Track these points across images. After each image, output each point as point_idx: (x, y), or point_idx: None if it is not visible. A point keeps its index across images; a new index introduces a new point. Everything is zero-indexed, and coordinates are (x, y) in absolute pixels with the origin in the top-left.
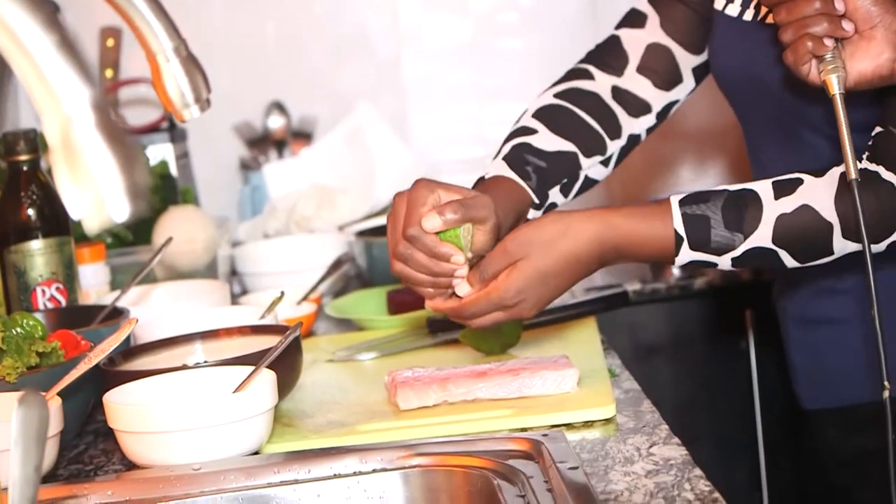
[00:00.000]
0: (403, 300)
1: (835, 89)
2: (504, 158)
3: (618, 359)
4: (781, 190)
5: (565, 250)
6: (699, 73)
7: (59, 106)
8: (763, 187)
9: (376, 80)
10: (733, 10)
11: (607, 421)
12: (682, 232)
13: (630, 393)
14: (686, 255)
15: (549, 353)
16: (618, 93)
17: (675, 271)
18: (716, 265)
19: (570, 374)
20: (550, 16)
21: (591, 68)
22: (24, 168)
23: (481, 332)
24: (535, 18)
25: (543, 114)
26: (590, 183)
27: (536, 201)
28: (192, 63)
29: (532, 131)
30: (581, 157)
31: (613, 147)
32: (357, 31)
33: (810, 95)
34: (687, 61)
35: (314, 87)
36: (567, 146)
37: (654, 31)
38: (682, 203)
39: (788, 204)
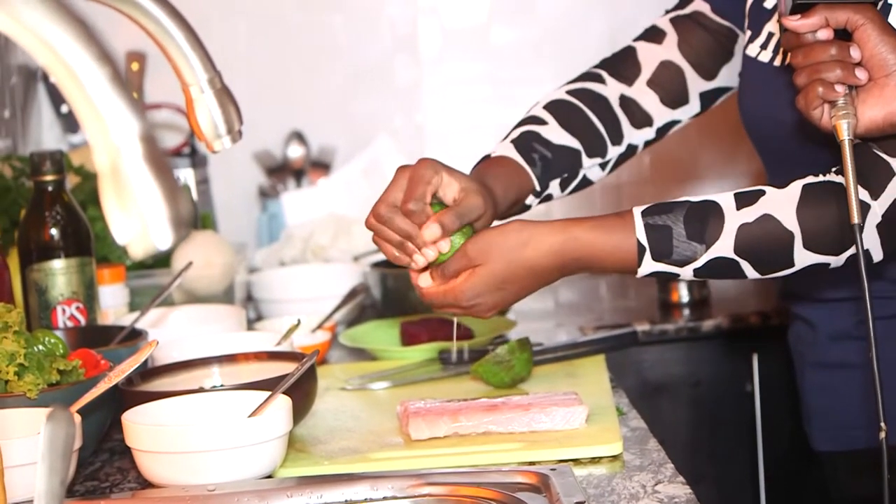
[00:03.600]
0: (417, 332)
1: (844, 135)
2: (512, 141)
3: (625, 397)
4: (743, 200)
5: (525, 259)
6: (706, 98)
7: (108, 136)
8: (725, 198)
9: (396, 112)
10: (765, 56)
11: (614, 458)
12: (644, 242)
13: (637, 431)
14: (648, 265)
15: (559, 390)
16: (625, 101)
17: (685, 312)
18: (678, 276)
19: (579, 411)
20: (569, 53)
21: (604, 74)
22: (50, 188)
23: (492, 367)
24: (555, 55)
25: (554, 107)
26: (586, 183)
27: (538, 188)
28: (225, 95)
29: (542, 122)
30: (584, 155)
31: (613, 153)
32: (378, 64)
33: (834, 141)
34: (696, 85)
35: (334, 117)
36: (573, 142)
37: (669, 50)
38: (644, 214)
39: (750, 214)
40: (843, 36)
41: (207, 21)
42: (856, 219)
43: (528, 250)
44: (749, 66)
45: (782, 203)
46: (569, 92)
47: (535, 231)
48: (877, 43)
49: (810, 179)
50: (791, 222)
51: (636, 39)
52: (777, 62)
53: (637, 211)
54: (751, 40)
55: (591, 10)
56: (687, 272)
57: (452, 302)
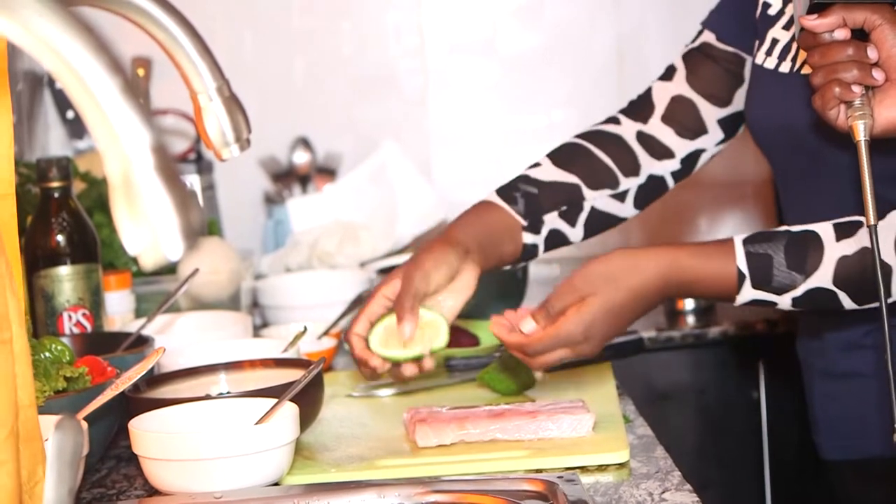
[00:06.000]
0: None
1: (860, 136)
2: (499, 187)
3: (632, 404)
4: (842, 232)
5: (633, 285)
6: (727, 123)
7: (119, 147)
8: (824, 229)
9: (402, 119)
10: (770, 63)
11: (621, 465)
12: (744, 270)
13: (644, 438)
14: (748, 293)
15: (565, 397)
16: (642, 137)
17: (691, 319)
18: (776, 305)
19: (586, 419)
20: (576, 61)
21: (621, 116)
22: (56, 195)
23: (499, 374)
24: (562, 64)
25: (555, 151)
26: (605, 216)
27: (524, 223)
28: (233, 103)
29: (536, 165)
30: (584, 188)
31: (628, 183)
32: (384, 70)
33: (845, 146)
34: (711, 113)
35: (340, 124)
36: (567, 177)
37: (679, 85)
38: (745, 242)
39: (849, 246)
40: (861, 36)
41: (213, 28)
42: (872, 220)
43: (635, 275)
44: (755, 75)
45: (881, 236)
46: (578, 135)
47: (639, 256)
48: (894, 43)
49: None
50: (890, 255)
51: (656, 80)
52: (783, 68)
53: (738, 239)
54: (758, 49)
55: (597, 18)
56: (785, 301)
57: (565, 339)
